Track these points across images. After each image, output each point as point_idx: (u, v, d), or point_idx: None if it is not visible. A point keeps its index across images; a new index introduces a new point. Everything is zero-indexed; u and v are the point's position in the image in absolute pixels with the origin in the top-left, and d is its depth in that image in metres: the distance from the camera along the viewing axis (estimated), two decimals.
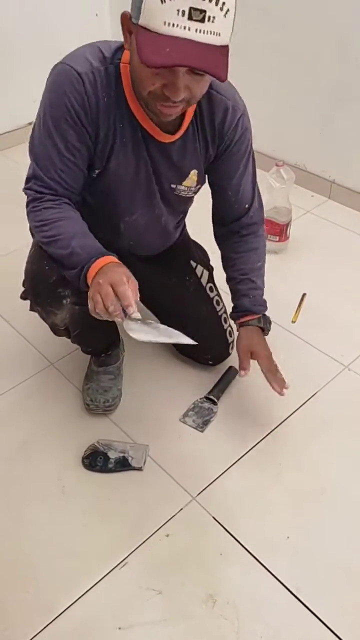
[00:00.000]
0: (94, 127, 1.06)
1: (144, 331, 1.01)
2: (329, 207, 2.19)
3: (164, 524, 1.22)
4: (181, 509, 1.24)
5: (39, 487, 1.29)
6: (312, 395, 1.48)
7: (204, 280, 1.47)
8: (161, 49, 0.86)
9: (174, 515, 1.23)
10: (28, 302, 1.27)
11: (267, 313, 1.41)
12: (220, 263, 1.41)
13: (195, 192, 1.28)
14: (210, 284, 1.49)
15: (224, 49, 0.90)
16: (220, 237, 1.39)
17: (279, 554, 1.17)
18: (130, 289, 0.98)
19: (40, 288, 1.19)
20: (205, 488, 1.28)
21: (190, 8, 0.83)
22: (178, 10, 0.84)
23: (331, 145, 2.12)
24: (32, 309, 1.28)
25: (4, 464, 1.34)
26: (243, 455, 1.34)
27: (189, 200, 1.32)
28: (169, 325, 1.55)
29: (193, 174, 1.21)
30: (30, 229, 1.34)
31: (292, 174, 1.89)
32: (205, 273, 1.48)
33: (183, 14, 0.84)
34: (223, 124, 1.14)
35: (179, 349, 1.57)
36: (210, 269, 1.51)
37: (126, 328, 0.99)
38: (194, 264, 1.47)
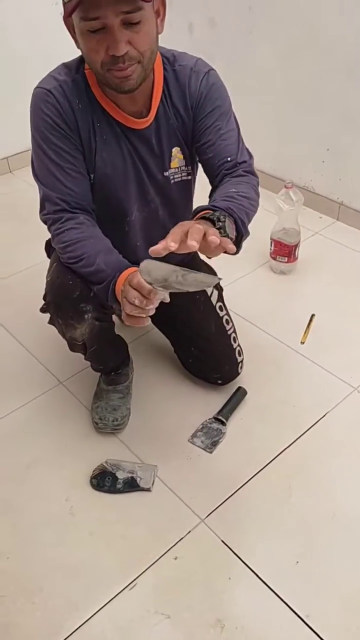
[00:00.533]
0: (76, 133, 1.13)
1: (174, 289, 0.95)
2: (337, 228, 2.21)
3: (173, 546, 1.20)
4: (189, 532, 1.23)
5: (46, 507, 1.28)
6: (322, 417, 1.47)
7: (213, 299, 1.48)
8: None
9: (182, 538, 1.22)
10: (40, 319, 1.29)
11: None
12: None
13: (190, 174, 1.27)
14: (219, 303, 1.49)
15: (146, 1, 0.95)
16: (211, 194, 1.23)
17: (288, 578, 1.15)
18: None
19: (63, 301, 1.21)
20: (213, 510, 1.27)
21: None
22: None
23: (339, 167, 2.14)
24: (51, 322, 1.28)
25: (12, 483, 1.34)
26: (252, 477, 1.33)
27: (187, 188, 1.30)
28: (179, 345, 1.56)
29: (176, 151, 1.22)
30: (46, 247, 1.36)
31: (300, 195, 1.91)
32: (215, 292, 1.49)
33: None
34: (189, 88, 1.16)
35: (188, 368, 1.57)
36: (220, 289, 1.51)
37: (161, 298, 0.97)
38: None
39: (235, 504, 1.28)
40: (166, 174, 1.24)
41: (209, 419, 1.46)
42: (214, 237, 0.88)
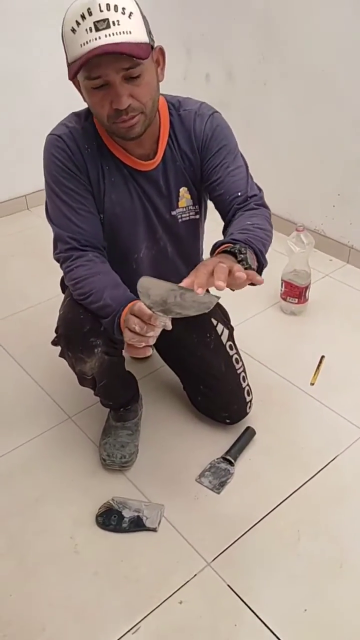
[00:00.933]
0: (85, 175, 1.19)
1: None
2: (347, 271, 2.23)
3: (178, 590, 1.18)
4: (195, 575, 1.21)
5: (52, 544, 1.27)
6: (331, 460, 1.46)
7: (224, 338, 1.49)
8: (83, 59, 0.99)
9: (188, 581, 1.20)
10: (51, 353, 1.31)
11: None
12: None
13: (197, 213, 1.30)
14: (230, 342, 1.50)
15: (143, 44, 1.01)
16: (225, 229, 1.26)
17: (296, 627, 1.12)
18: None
19: (73, 335, 1.23)
20: (220, 553, 1.25)
21: (94, 22, 0.97)
22: (86, 30, 0.97)
23: (350, 212, 2.19)
24: (62, 355, 1.30)
25: (18, 518, 1.33)
26: (260, 520, 1.31)
27: (194, 227, 1.33)
28: (189, 382, 1.56)
29: (184, 191, 1.26)
30: (61, 283, 1.39)
31: (311, 238, 1.94)
32: (226, 331, 1.50)
33: (91, 30, 0.97)
34: (195, 130, 1.21)
35: (196, 406, 1.57)
36: (230, 328, 1.53)
37: (162, 325, 0.98)
38: (214, 322, 1.49)
39: (243, 547, 1.26)
40: (174, 213, 1.28)
41: (217, 459, 1.45)
42: (240, 272, 0.89)
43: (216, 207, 1.28)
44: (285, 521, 1.31)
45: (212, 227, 1.37)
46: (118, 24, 0.97)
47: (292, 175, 2.31)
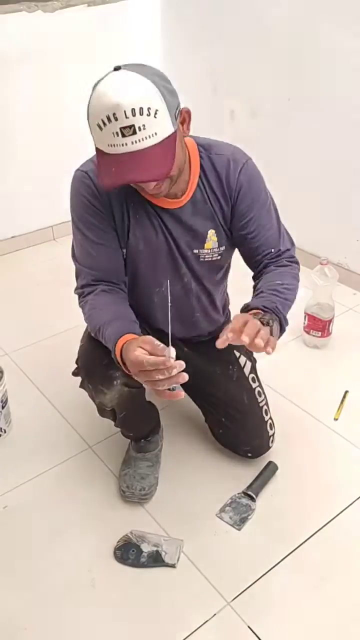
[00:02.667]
0: (109, 212, 1.20)
1: None
2: None
3: (196, 630, 1.14)
4: (215, 615, 1.17)
5: (69, 577, 1.25)
6: (356, 499, 1.41)
7: (246, 370, 1.48)
8: (109, 168, 1.02)
9: (206, 621, 1.16)
10: (75, 380, 1.31)
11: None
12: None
13: (221, 255, 1.30)
14: (252, 375, 1.49)
15: (167, 140, 1.02)
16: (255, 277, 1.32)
17: None
18: (149, 351, 1.01)
19: (93, 367, 1.24)
20: (240, 593, 1.21)
21: (120, 128, 0.98)
22: (113, 133, 0.99)
23: None
24: (82, 386, 1.31)
25: (37, 549, 1.31)
26: (282, 560, 1.27)
27: (218, 266, 1.33)
28: (210, 414, 1.55)
29: (211, 234, 1.26)
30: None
31: (335, 272, 1.93)
32: (249, 364, 1.49)
33: (117, 135, 0.98)
34: (228, 178, 1.20)
35: (218, 438, 1.55)
36: (253, 360, 1.52)
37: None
38: (237, 354, 1.48)
39: (264, 587, 1.22)
40: (196, 251, 1.27)
41: (238, 494, 1.42)
42: (260, 340, 1.00)
43: (243, 255, 1.31)
44: (308, 561, 1.27)
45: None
46: (144, 128, 0.98)
47: (316, 210, 2.32)
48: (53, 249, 2.64)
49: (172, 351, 0.97)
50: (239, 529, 1.34)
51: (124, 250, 1.24)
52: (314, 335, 1.94)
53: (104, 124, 0.99)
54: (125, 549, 1.27)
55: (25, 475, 1.49)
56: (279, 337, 1.15)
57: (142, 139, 0.99)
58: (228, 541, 1.32)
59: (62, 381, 1.74)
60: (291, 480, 1.45)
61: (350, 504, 1.40)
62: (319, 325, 1.92)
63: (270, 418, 1.50)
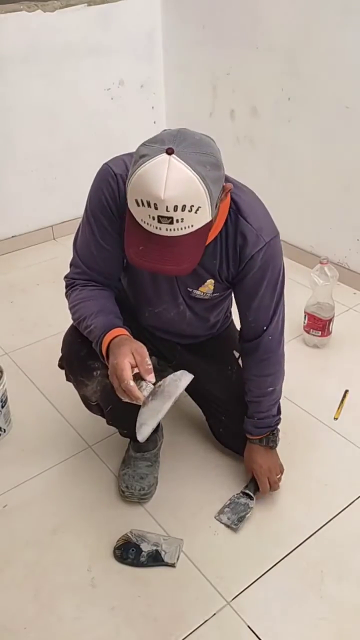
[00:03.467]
0: (122, 220, 1.14)
1: (151, 414, 1.11)
2: None
3: (196, 629, 1.14)
4: (214, 614, 1.17)
5: (68, 577, 1.25)
6: (356, 499, 1.41)
7: None
8: (138, 244, 0.99)
9: (206, 621, 1.16)
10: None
11: (284, 424, 1.44)
12: None
13: (213, 298, 1.30)
14: None
15: (202, 228, 0.98)
16: (242, 350, 1.39)
17: None
18: (137, 362, 1.07)
19: (72, 359, 1.28)
20: (240, 592, 1.21)
21: (158, 216, 0.94)
22: (150, 216, 0.95)
23: None
24: (67, 378, 1.34)
25: (37, 548, 1.31)
26: (282, 559, 1.27)
27: (211, 304, 1.33)
28: (211, 413, 1.54)
29: (209, 282, 1.24)
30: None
31: (335, 272, 1.93)
32: None
33: (154, 219, 0.95)
34: (243, 251, 1.16)
35: (218, 437, 1.55)
36: None
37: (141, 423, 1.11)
38: (236, 354, 1.48)
39: (263, 586, 1.22)
40: (191, 290, 1.27)
41: (237, 494, 1.42)
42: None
43: (237, 308, 1.30)
44: (308, 561, 1.27)
45: None
46: (182, 221, 0.95)
47: (316, 209, 2.32)
48: (53, 249, 2.64)
49: (150, 387, 1.08)
50: (236, 528, 1.34)
51: (125, 261, 1.23)
52: (313, 335, 1.94)
53: (143, 204, 0.95)
54: (125, 549, 1.27)
55: (25, 474, 1.49)
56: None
57: (178, 229, 0.96)
58: (228, 541, 1.32)
59: (62, 381, 1.72)
60: (291, 480, 1.45)
61: (350, 504, 1.40)
62: (319, 325, 1.92)
63: None
